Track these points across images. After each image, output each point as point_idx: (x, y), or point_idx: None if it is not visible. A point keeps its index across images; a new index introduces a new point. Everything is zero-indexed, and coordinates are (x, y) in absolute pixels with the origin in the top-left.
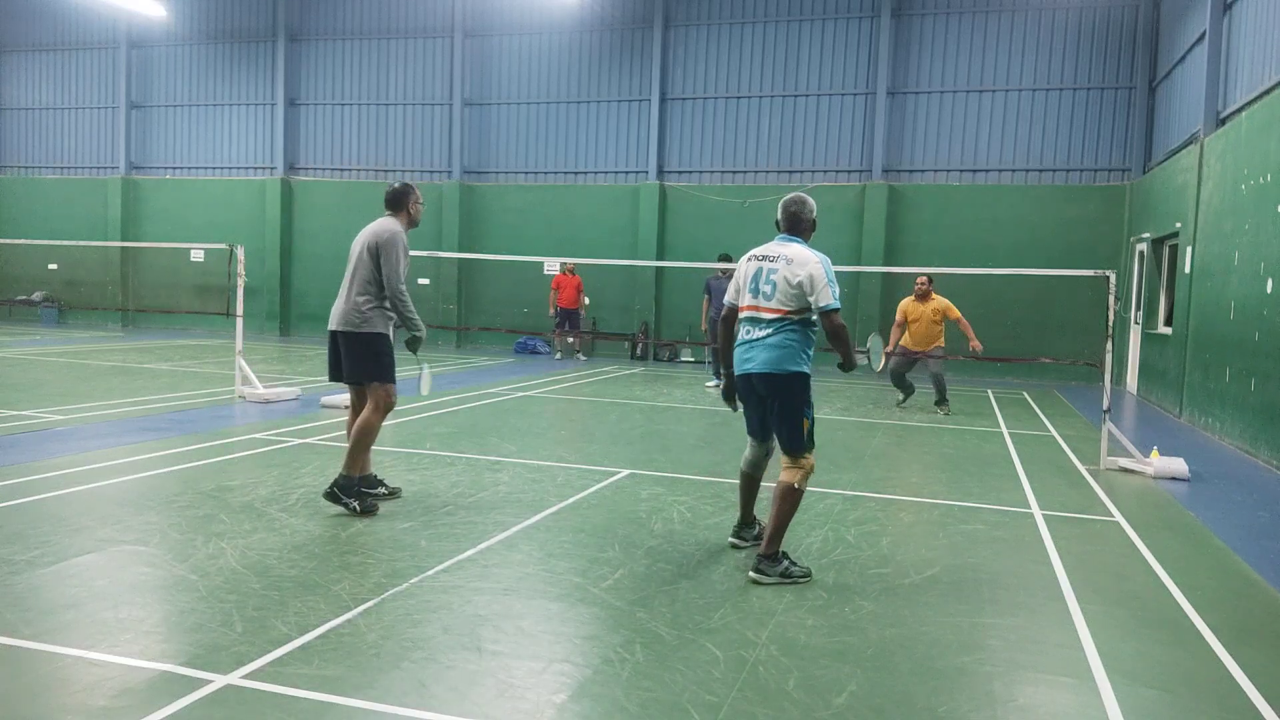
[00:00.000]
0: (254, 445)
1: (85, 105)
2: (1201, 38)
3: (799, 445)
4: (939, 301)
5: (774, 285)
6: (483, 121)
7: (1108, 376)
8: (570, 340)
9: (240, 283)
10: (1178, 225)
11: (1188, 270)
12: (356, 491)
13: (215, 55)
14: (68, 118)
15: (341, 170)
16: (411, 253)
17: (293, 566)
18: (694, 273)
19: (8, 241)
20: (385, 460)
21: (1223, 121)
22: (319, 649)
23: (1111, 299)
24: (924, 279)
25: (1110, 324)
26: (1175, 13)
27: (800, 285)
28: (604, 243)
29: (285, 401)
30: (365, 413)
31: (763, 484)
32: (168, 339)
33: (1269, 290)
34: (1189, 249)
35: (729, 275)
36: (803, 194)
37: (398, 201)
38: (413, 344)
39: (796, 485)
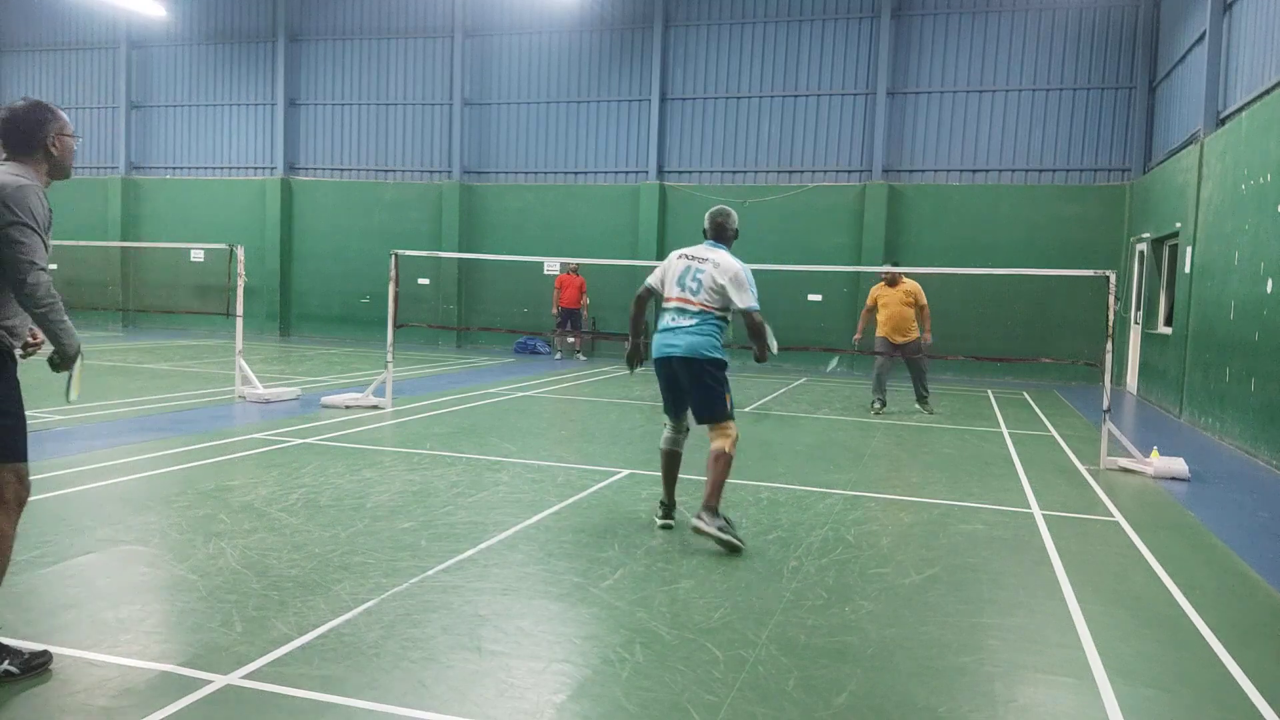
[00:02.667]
0: (254, 445)
1: (85, 105)
2: (1201, 38)
3: (721, 415)
4: (909, 284)
5: (700, 283)
6: (483, 121)
7: (1108, 376)
8: (570, 340)
9: (240, 283)
10: (1178, 225)
11: (1188, 270)
12: None
13: (215, 55)
14: (68, 117)
15: (341, 170)
16: (411, 252)
17: (293, 566)
18: None
19: None
20: (385, 460)
21: (1223, 121)
22: (319, 649)
23: (1111, 299)
24: (892, 263)
25: (1110, 324)
26: (1175, 13)
27: (723, 288)
28: (604, 243)
29: (285, 401)
30: None
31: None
32: (168, 339)
33: (1269, 290)
34: (1189, 249)
35: None
36: (728, 207)
37: (28, 135)
38: (59, 363)
39: (727, 450)
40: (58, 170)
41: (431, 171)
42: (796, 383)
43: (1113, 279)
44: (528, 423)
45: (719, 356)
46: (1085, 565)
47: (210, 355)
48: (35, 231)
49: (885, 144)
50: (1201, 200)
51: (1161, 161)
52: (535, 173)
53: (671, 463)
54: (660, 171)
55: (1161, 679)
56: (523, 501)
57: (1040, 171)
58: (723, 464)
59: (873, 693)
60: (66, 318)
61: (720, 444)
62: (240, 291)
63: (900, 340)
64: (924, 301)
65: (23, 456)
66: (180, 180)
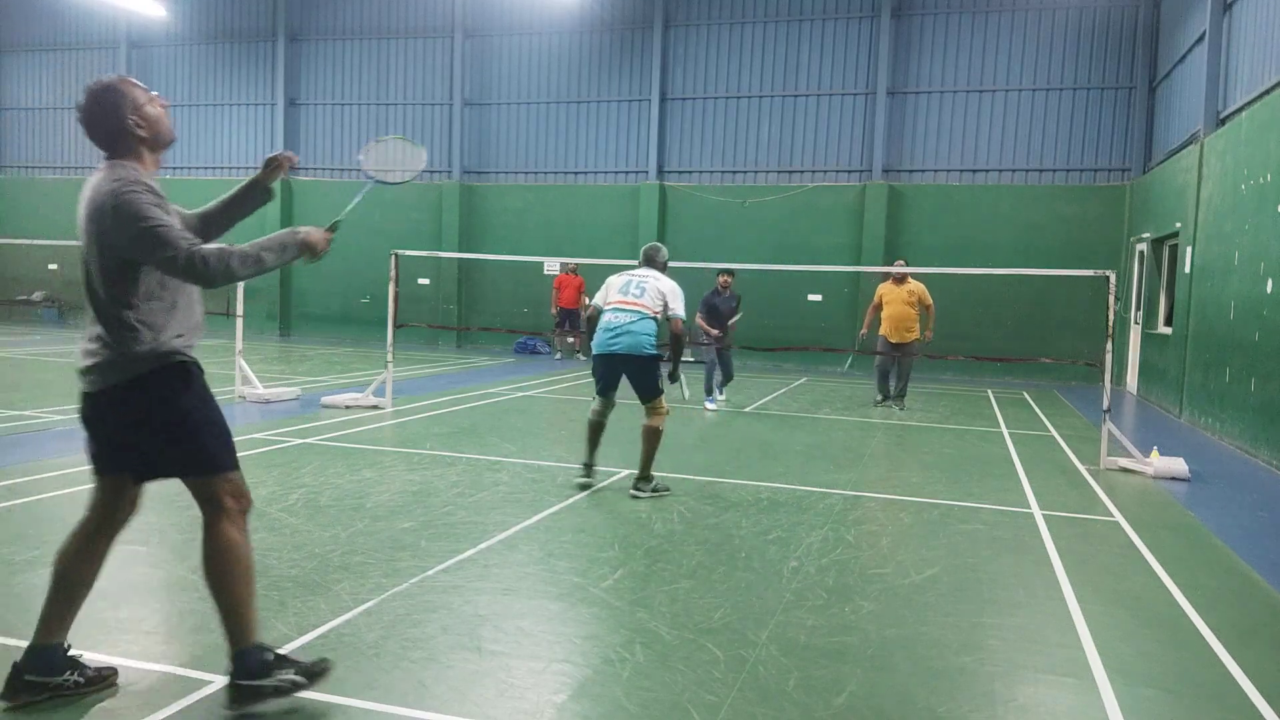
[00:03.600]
0: (254, 445)
1: None
2: (1201, 38)
3: (654, 395)
4: (915, 285)
5: (643, 290)
6: (483, 121)
7: (1108, 376)
8: (570, 340)
9: (240, 283)
10: (1178, 225)
11: (1188, 270)
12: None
13: (215, 55)
14: (68, 118)
15: (341, 170)
16: (411, 252)
17: (293, 566)
18: (694, 273)
19: (8, 241)
20: (385, 460)
21: (1223, 121)
22: (319, 649)
23: (1111, 299)
24: (901, 260)
25: (1110, 324)
26: (1175, 13)
27: (664, 295)
28: (604, 243)
29: (285, 401)
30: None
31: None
32: None
33: (1269, 290)
34: (1189, 249)
35: (723, 290)
36: (658, 243)
37: (107, 127)
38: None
39: (659, 426)
40: (155, 145)
41: (431, 171)
42: (796, 383)
43: (1113, 279)
44: (528, 423)
45: (652, 353)
46: (1085, 565)
47: (210, 355)
48: (156, 225)
49: (885, 144)
50: (1201, 200)
51: (1161, 161)
52: (535, 173)
53: (596, 432)
54: (660, 171)
55: (1161, 679)
56: (523, 501)
57: (1040, 171)
58: (654, 439)
59: (873, 693)
60: (260, 254)
61: (654, 421)
62: (240, 291)
63: (900, 340)
64: (929, 302)
65: (232, 466)
66: (180, 180)
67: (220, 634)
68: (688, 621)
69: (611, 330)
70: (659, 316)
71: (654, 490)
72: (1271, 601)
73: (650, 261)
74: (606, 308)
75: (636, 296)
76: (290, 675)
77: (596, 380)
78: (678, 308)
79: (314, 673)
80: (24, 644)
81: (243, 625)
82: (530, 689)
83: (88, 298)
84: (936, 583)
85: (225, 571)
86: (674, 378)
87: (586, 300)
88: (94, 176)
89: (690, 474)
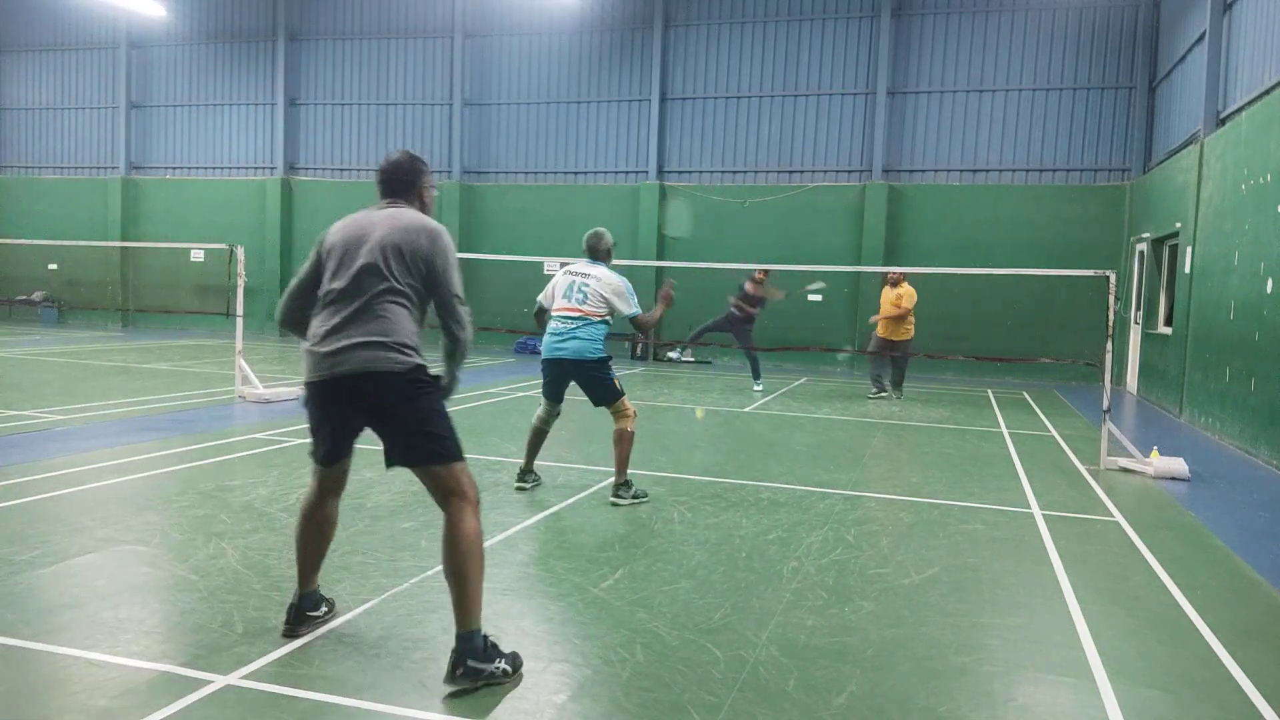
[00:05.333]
0: (254, 445)
1: (85, 105)
2: (1201, 38)
3: (613, 399)
4: (903, 289)
5: (585, 294)
6: (483, 121)
7: (1108, 376)
8: None
9: (240, 283)
10: (1178, 225)
11: (1188, 270)
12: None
13: (215, 55)
14: (68, 118)
15: (341, 170)
16: None
17: (292, 566)
18: (694, 273)
19: (8, 241)
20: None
21: (1223, 121)
22: (319, 649)
23: (1111, 299)
24: (897, 273)
25: (1110, 324)
26: (1175, 13)
27: (607, 299)
28: None
29: (285, 401)
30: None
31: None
32: (168, 339)
33: (1269, 290)
34: (1189, 249)
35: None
36: (601, 229)
37: (410, 182)
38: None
39: (628, 429)
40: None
41: (431, 171)
42: (796, 382)
43: (1113, 279)
44: (528, 423)
45: (599, 356)
46: (1085, 565)
47: (210, 355)
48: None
49: (885, 144)
50: (1201, 200)
51: (1161, 161)
52: (535, 173)
53: (538, 439)
54: (660, 171)
55: (1161, 679)
56: (523, 501)
57: (1040, 171)
58: (626, 443)
59: (873, 693)
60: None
61: (621, 425)
62: (240, 291)
63: (890, 338)
64: (907, 306)
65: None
66: (180, 180)
67: (217, 633)
68: (688, 621)
69: (557, 335)
70: (608, 318)
71: (634, 497)
72: (1271, 601)
73: (592, 251)
74: (555, 313)
75: (579, 303)
76: (504, 665)
77: (544, 385)
78: (625, 307)
79: (516, 665)
80: (24, 644)
81: (477, 608)
82: (530, 689)
83: (363, 297)
84: (936, 583)
85: (468, 556)
86: (645, 334)
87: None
88: (397, 209)
89: (690, 474)
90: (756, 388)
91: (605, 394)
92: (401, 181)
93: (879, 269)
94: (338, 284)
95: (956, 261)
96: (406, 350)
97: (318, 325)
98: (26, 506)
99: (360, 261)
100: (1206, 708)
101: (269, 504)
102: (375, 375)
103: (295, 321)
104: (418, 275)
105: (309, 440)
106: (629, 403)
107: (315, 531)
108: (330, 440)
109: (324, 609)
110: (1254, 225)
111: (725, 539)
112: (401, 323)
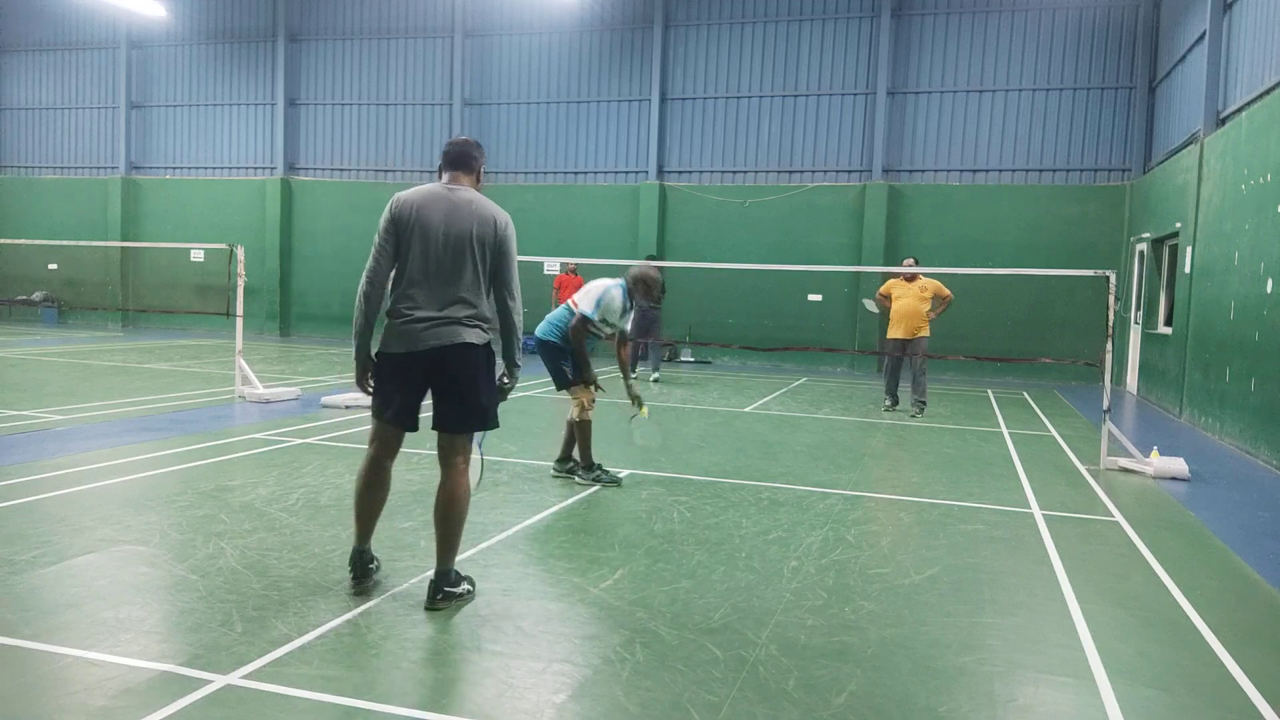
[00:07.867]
0: (254, 445)
1: (85, 105)
2: (1201, 38)
3: (563, 385)
4: (927, 281)
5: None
6: (483, 121)
7: (1107, 376)
8: None
9: (240, 283)
10: (1178, 225)
11: (1188, 270)
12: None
13: (215, 55)
14: (68, 118)
15: (341, 170)
16: None
17: (292, 566)
18: (694, 273)
19: (8, 241)
20: None
21: (1223, 121)
22: (319, 649)
23: (1111, 299)
24: (911, 260)
25: (1110, 324)
26: (1175, 13)
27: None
28: (604, 243)
29: (285, 401)
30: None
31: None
32: (168, 339)
33: (1269, 290)
34: (1189, 249)
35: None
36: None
37: (472, 161)
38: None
39: (571, 418)
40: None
41: (431, 172)
42: (796, 382)
43: (1112, 279)
44: (528, 423)
45: (554, 340)
46: (1085, 565)
47: (210, 355)
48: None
49: (885, 144)
50: (1201, 200)
51: (1161, 161)
52: (535, 173)
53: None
54: (660, 171)
55: (1161, 679)
56: (523, 501)
57: (1040, 171)
58: (569, 430)
59: (873, 693)
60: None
61: (572, 411)
62: (240, 291)
63: (909, 336)
64: (947, 293)
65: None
66: (180, 180)
67: (217, 633)
68: (688, 621)
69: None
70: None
71: (595, 479)
72: (1271, 601)
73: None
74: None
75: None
76: (466, 585)
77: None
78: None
79: (473, 582)
80: (24, 644)
81: (455, 551)
82: (530, 689)
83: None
84: (936, 583)
85: (463, 506)
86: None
87: None
88: (468, 192)
89: (690, 474)
90: (654, 376)
91: (554, 376)
92: (465, 158)
93: (879, 269)
94: (431, 263)
95: (956, 262)
96: (486, 327)
97: (412, 302)
98: (26, 506)
99: (453, 244)
100: (1206, 708)
101: (269, 504)
102: (461, 347)
103: (382, 296)
104: (494, 257)
105: (374, 402)
106: (582, 394)
107: (377, 491)
108: (403, 403)
109: (375, 564)
110: (1254, 225)
111: (725, 539)
112: (484, 301)
